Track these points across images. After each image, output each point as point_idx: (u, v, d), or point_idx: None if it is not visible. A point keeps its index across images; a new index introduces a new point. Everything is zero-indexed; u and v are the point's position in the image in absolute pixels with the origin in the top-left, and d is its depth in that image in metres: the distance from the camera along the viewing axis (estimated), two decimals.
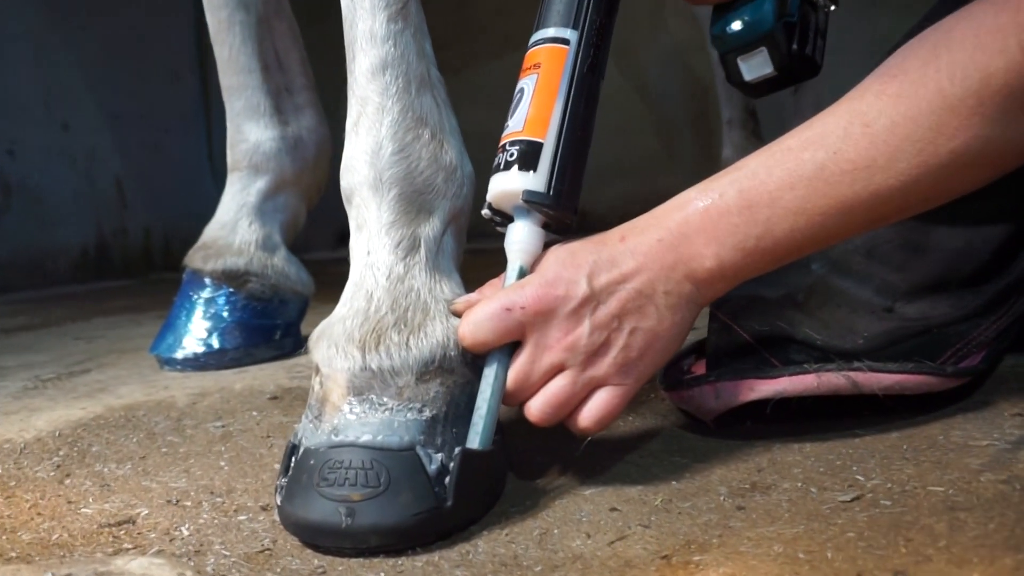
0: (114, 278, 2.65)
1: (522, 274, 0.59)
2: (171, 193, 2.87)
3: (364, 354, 0.56)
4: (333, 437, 0.55)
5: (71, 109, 2.58)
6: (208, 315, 1.09)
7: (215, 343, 1.08)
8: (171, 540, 0.56)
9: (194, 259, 1.11)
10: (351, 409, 0.55)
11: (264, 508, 0.61)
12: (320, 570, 0.51)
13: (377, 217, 0.60)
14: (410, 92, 0.61)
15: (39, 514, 0.63)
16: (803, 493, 0.56)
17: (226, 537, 0.56)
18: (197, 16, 2.91)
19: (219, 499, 0.64)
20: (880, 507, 0.52)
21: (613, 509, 0.56)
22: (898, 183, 0.53)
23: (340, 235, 3.23)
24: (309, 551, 0.54)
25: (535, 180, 0.58)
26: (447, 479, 0.53)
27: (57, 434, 0.82)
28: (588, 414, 0.58)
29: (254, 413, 0.86)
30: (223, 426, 0.82)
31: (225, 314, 1.09)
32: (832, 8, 0.72)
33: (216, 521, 0.59)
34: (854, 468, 0.59)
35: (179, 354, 1.09)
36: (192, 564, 0.52)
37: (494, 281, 0.61)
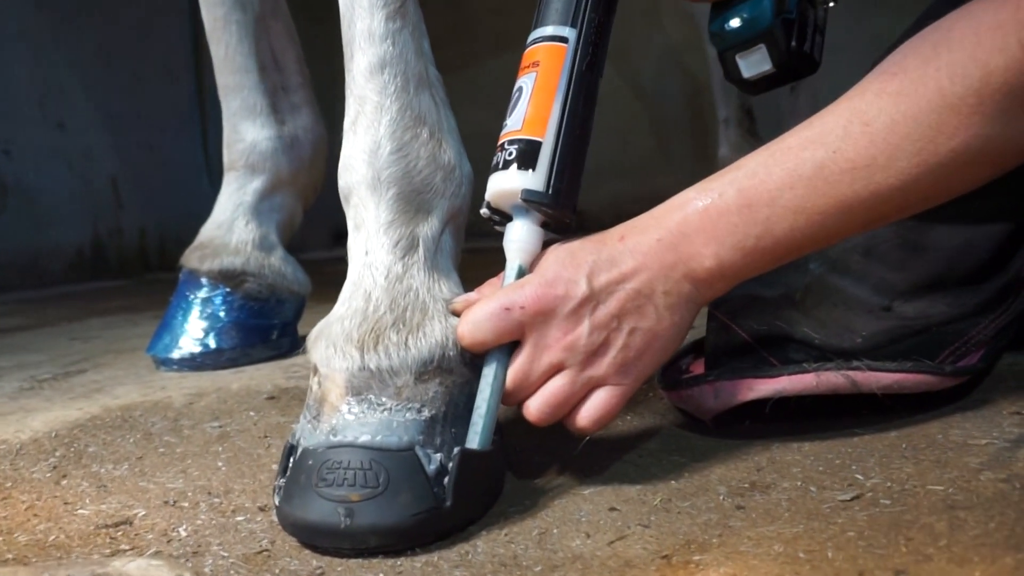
0: (110, 278, 2.64)
1: (521, 273, 0.58)
2: (167, 193, 2.87)
3: (362, 354, 0.56)
4: (332, 437, 0.54)
5: (67, 109, 2.57)
6: (205, 315, 1.09)
7: (212, 343, 1.08)
8: (169, 541, 0.56)
9: (190, 259, 1.11)
10: (349, 409, 0.55)
11: (262, 509, 0.61)
12: (319, 571, 0.51)
13: (375, 216, 0.60)
14: (408, 91, 0.61)
15: (35, 515, 0.62)
16: (803, 492, 0.56)
17: (224, 538, 0.56)
18: (193, 15, 2.91)
19: (217, 500, 0.63)
20: (880, 506, 0.52)
21: (612, 509, 0.56)
22: (898, 182, 0.53)
23: (336, 234, 3.23)
24: (308, 552, 0.53)
25: (534, 179, 0.58)
26: (446, 479, 0.53)
27: (53, 435, 0.82)
28: (587, 413, 0.57)
29: (251, 413, 0.86)
30: (220, 426, 0.82)
31: (222, 314, 1.09)
32: (831, 5, 0.72)
33: (214, 522, 0.59)
34: (853, 467, 0.59)
35: (176, 354, 1.08)
36: (190, 565, 0.52)
37: (493, 280, 0.61)
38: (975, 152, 0.52)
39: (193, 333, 1.09)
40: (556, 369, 0.56)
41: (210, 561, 0.53)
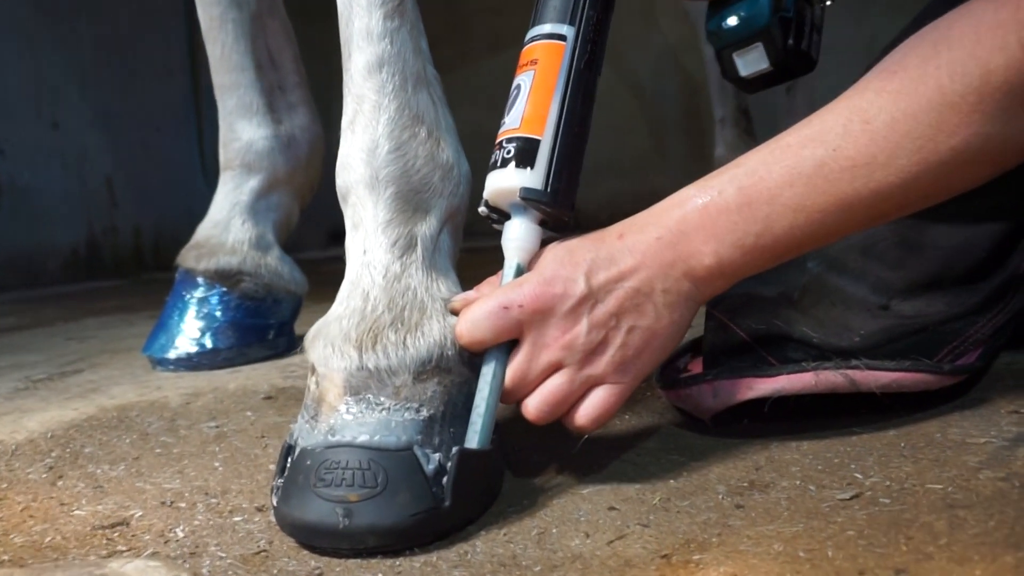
0: (105, 278, 2.63)
1: (519, 272, 0.58)
2: (162, 192, 2.86)
3: (361, 353, 0.55)
4: (330, 437, 0.54)
5: (62, 108, 2.56)
6: (201, 315, 1.09)
7: (208, 343, 1.08)
8: (166, 542, 0.56)
9: (187, 258, 1.10)
10: (348, 409, 0.55)
11: (260, 509, 0.61)
12: (317, 571, 0.50)
13: (373, 216, 0.60)
14: (406, 90, 0.61)
15: (31, 517, 0.62)
16: (802, 491, 0.56)
17: (221, 538, 0.56)
18: (188, 14, 2.90)
19: (214, 500, 0.63)
20: (879, 505, 0.52)
21: (611, 508, 0.56)
22: (898, 180, 0.53)
23: (332, 234, 3.23)
24: (306, 552, 0.53)
25: (532, 177, 0.58)
26: (445, 479, 0.53)
27: (49, 435, 0.82)
28: (585, 412, 0.57)
29: (248, 413, 0.86)
30: (217, 427, 0.82)
31: (218, 314, 1.09)
32: (828, 3, 0.72)
33: (211, 522, 0.59)
34: (852, 466, 0.59)
35: (172, 354, 1.08)
36: (188, 566, 0.52)
37: (491, 279, 0.60)
38: (975, 150, 0.52)
39: (189, 333, 1.08)
40: (555, 368, 0.56)
41: (208, 562, 0.52)
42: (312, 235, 3.13)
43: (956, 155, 0.52)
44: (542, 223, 0.60)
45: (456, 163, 0.63)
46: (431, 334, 0.57)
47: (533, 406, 0.57)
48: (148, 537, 0.57)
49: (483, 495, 0.57)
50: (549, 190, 0.58)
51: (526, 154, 0.58)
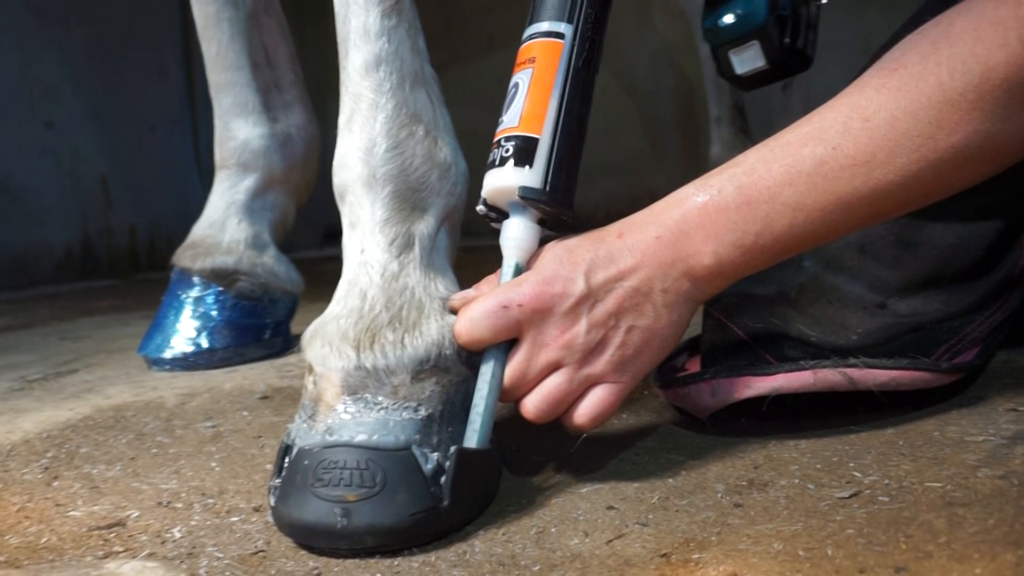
0: (99, 278, 2.62)
1: (518, 271, 0.58)
2: (157, 192, 2.85)
3: (358, 353, 0.55)
4: (328, 437, 0.54)
5: (56, 107, 2.55)
6: (197, 314, 1.08)
7: (204, 342, 1.07)
8: (163, 542, 0.56)
9: (182, 258, 1.10)
10: (346, 408, 0.55)
11: (257, 509, 0.60)
12: (315, 571, 0.50)
13: (371, 214, 0.60)
14: (404, 88, 0.61)
15: (27, 518, 0.62)
16: (801, 490, 0.56)
17: (219, 539, 0.56)
18: (183, 12, 2.89)
19: (211, 500, 0.63)
20: (878, 503, 0.52)
21: (610, 507, 0.56)
22: (898, 178, 0.53)
23: (327, 233, 3.22)
24: (304, 552, 0.53)
25: (531, 176, 0.58)
26: (443, 479, 0.53)
27: (44, 436, 0.81)
28: (584, 411, 0.57)
29: (245, 413, 0.86)
30: (213, 426, 0.82)
31: (214, 313, 1.08)
32: (823, 2, 0.72)
33: (208, 523, 0.58)
34: (851, 464, 0.59)
35: (168, 354, 1.08)
36: (185, 567, 0.52)
37: (490, 277, 0.60)
38: (975, 148, 0.52)
39: (185, 332, 1.08)
40: (553, 367, 0.56)
41: (205, 562, 0.52)
42: (307, 235, 3.13)
43: (956, 153, 0.52)
44: (541, 222, 0.60)
45: (454, 162, 0.63)
46: (429, 333, 0.56)
47: (532, 405, 0.57)
48: (145, 538, 0.57)
49: (482, 495, 0.57)
50: (548, 189, 0.58)
51: (525, 153, 0.58)
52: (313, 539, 0.52)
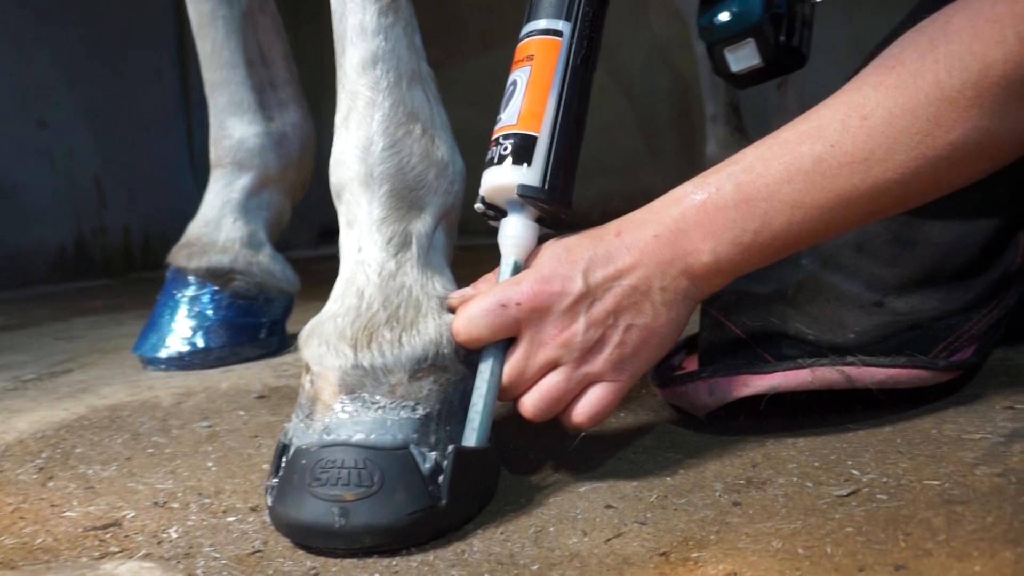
0: (93, 277, 2.61)
1: (516, 269, 0.58)
2: (151, 191, 2.84)
3: (356, 352, 0.55)
4: (325, 436, 0.54)
5: (49, 106, 2.54)
6: (192, 314, 1.08)
7: (200, 342, 1.07)
8: (159, 543, 0.55)
9: (178, 257, 1.09)
10: (343, 408, 0.54)
11: (254, 509, 0.60)
12: (313, 571, 0.50)
13: (368, 213, 0.59)
14: (401, 86, 0.60)
15: (22, 518, 0.61)
16: (799, 488, 0.56)
17: (216, 539, 0.55)
18: (178, 12, 2.88)
19: (207, 500, 0.62)
20: (877, 501, 0.52)
21: (608, 506, 0.56)
22: (896, 176, 0.53)
23: (323, 232, 3.21)
24: (301, 552, 0.53)
25: (529, 174, 0.57)
26: (441, 478, 0.53)
27: (39, 436, 0.81)
28: (582, 410, 0.57)
29: (241, 413, 0.85)
30: (210, 426, 0.81)
31: (210, 312, 1.08)
32: (818, 0, 0.72)
33: (205, 523, 0.58)
34: (849, 462, 0.59)
35: (163, 353, 1.07)
36: (182, 567, 0.51)
37: (488, 276, 0.60)
38: (973, 145, 0.52)
39: (181, 332, 1.08)
40: (552, 365, 0.56)
41: (202, 563, 0.52)
42: (303, 233, 3.12)
43: (954, 150, 0.52)
44: (539, 220, 0.59)
45: (451, 160, 0.63)
46: (427, 332, 0.56)
47: (530, 404, 0.57)
48: (141, 538, 0.56)
49: (480, 494, 0.57)
50: (546, 187, 0.58)
51: (523, 151, 0.58)
52: (311, 539, 0.52)
